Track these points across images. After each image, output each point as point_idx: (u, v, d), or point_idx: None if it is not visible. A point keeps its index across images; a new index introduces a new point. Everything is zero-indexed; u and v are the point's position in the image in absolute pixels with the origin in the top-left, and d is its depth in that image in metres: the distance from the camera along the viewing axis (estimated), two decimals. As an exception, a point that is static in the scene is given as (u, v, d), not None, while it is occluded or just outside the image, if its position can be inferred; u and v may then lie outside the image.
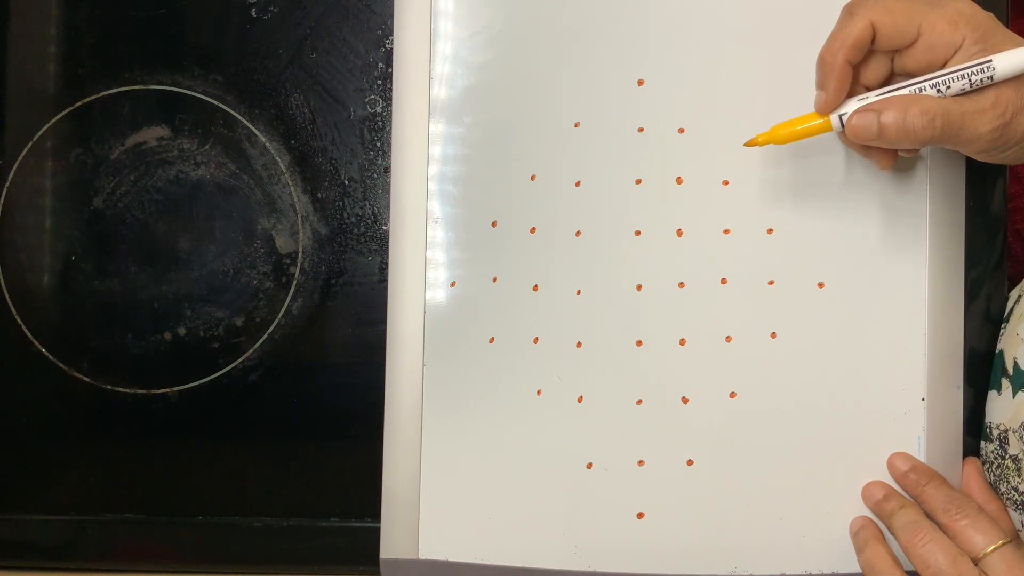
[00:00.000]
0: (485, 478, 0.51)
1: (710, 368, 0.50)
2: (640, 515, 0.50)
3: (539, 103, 0.52)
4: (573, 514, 0.51)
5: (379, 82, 0.56)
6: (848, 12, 0.43)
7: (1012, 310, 0.51)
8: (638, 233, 0.51)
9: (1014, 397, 0.49)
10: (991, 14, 0.42)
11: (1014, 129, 0.42)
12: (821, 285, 0.50)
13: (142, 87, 0.56)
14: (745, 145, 0.47)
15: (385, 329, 0.52)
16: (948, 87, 0.42)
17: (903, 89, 0.43)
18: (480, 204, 0.52)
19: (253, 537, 0.56)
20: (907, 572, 0.47)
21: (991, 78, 0.41)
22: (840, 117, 0.44)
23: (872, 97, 0.44)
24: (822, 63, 0.44)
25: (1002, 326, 0.52)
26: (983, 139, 0.42)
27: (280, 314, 0.56)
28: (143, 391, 0.56)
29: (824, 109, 0.45)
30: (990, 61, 0.41)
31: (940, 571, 0.44)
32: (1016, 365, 0.49)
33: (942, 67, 0.42)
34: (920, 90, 0.42)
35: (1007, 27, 0.52)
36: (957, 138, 0.42)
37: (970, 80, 0.41)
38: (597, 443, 0.51)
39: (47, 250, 0.57)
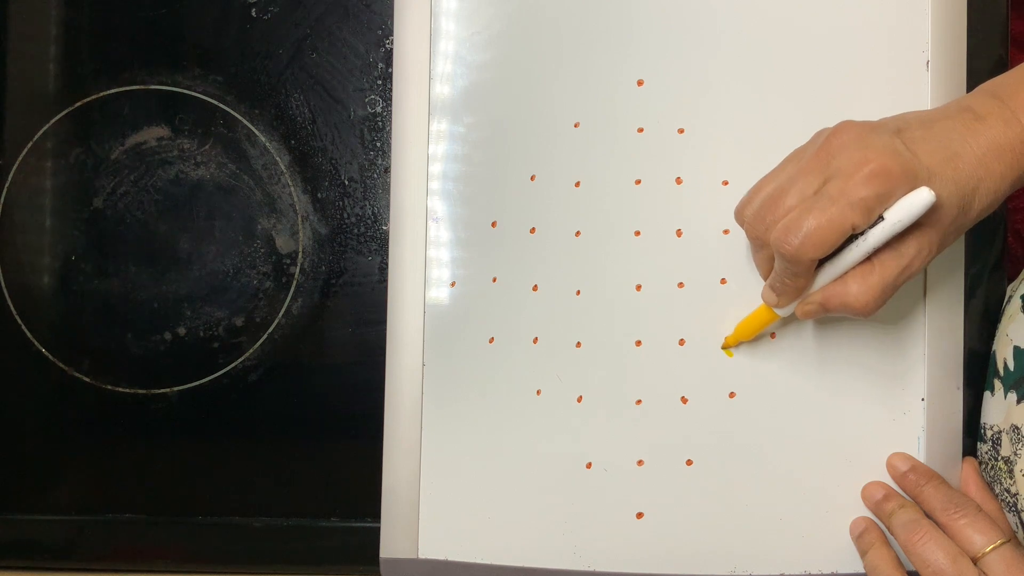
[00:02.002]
0: (485, 478, 0.51)
1: (709, 368, 0.50)
2: (640, 515, 0.51)
3: (539, 103, 0.52)
4: (573, 514, 0.51)
5: (379, 82, 0.56)
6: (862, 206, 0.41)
7: (1003, 310, 0.51)
8: (638, 233, 0.51)
9: (1005, 398, 0.49)
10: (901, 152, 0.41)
11: (946, 246, 0.43)
12: (821, 285, 0.50)
13: (142, 87, 0.56)
14: (723, 348, 0.50)
15: (385, 329, 0.53)
16: (869, 250, 0.42)
17: (832, 267, 0.43)
18: (480, 204, 0.52)
19: (253, 537, 0.56)
20: (908, 573, 0.47)
21: (899, 228, 0.41)
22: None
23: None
24: (801, 263, 0.42)
25: (996, 327, 0.52)
26: (918, 273, 0.43)
27: (280, 314, 0.56)
28: (143, 391, 0.56)
29: (778, 307, 0.46)
30: (883, 220, 0.41)
31: (940, 570, 0.44)
32: (1006, 366, 0.49)
33: None
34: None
35: (1007, 27, 0.52)
36: (898, 287, 0.43)
37: (882, 241, 0.41)
38: (597, 443, 0.51)
39: (47, 250, 0.57)
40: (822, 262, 0.43)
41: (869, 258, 0.42)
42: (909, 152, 0.41)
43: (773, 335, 0.50)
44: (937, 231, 0.42)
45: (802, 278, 0.43)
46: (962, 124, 0.42)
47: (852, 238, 0.41)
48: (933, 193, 0.40)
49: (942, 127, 0.42)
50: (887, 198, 0.40)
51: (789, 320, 0.50)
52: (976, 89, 0.45)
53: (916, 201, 0.40)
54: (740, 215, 0.45)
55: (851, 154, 0.41)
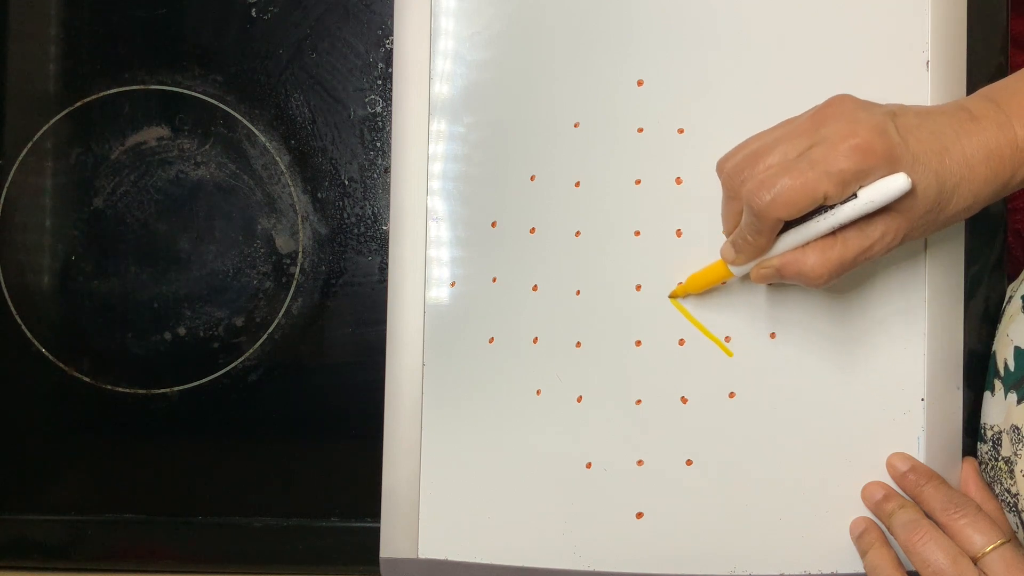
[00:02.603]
0: (485, 478, 0.51)
1: (709, 368, 0.50)
2: (639, 515, 0.51)
3: (539, 103, 0.52)
4: (572, 514, 0.51)
5: (379, 82, 0.56)
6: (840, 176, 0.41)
7: (1003, 311, 0.51)
8: (637, 233, 0.51)
9: (1005, 398, 0.49)
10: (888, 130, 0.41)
11: (911, 238, 0.43)
12: (821, 285, 0.50)
13: (142, 87, 0.56)
14: (670, 297, 0.50)
15: (385, 329, 0.53)
16: (836, 225, 0.42)
17: (796, 233, 0.43)
18: (480, 204, 0.52)
19: (253, 537, 0.56)
20: (908, 573, 0.47)
21: (869, 208, 0.41)
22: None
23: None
24: (767, 220, 0.42)
25: (996, 327, 0.52)
26: (877, 258, 0.43)
27: (280, 314, 0.56)
28: (143, 391, 0.56)
29: (735, 264, 0.46)
30: (855, 197, 0.41)
31: (940, 570, 0.44)
32: (1006, 366, 0.49)
33: None
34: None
35: (1007, 27, 0.52)
36: (854, 267, 0.43)
37: (851, 217, 0.41)
38: (596, 443, 0.51)
39: (47, 250, 0.57)
40: (787, 228, 0.43)
41: (833, 232, 0.42)
42: (899, 136, 0.41)
43: (773, 335, 0.50)
44: (907, 219, 0.42)
45: (764, 237, 0.43)
46: (956, 122, 0.42)
47: (822, 209, 0.41)
48: (910, 180, 0.40)
49: (936, 121, 0.42)
50: (865, 175, 0.40)
51: (788, 320, 0.50)
52: (975, 93, 0.45)
53: (892, 185, 0.40)
54: (721, 166, 0.45)
55: (840, 125, 0.41)
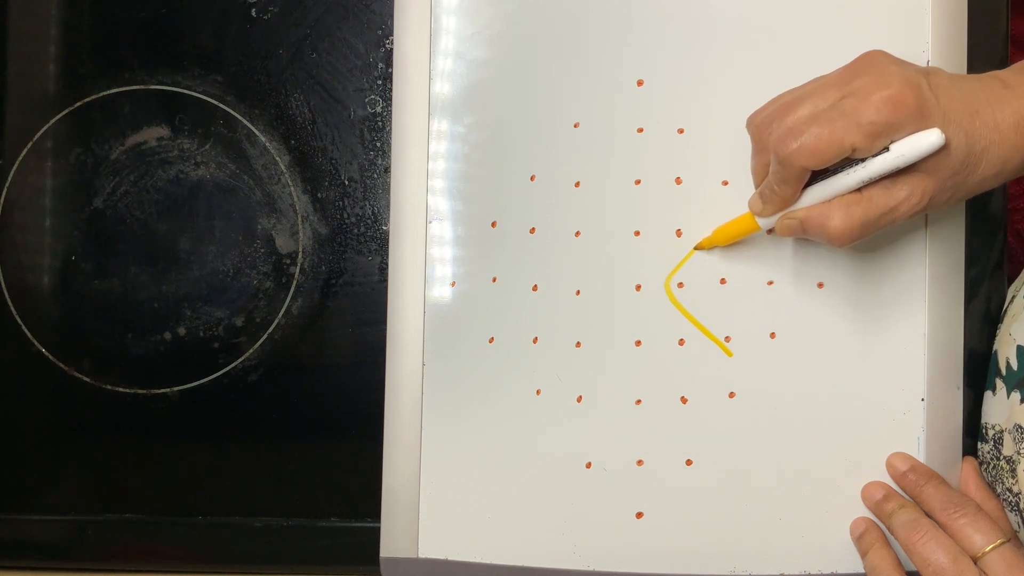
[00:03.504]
0: (485, 478, 0.51)
1: (709, 368, 0.50)
2: (639, 515, 0.51)
3: (539, 103, 0.52)
4: (572, 514, 0.51)
5: (379, 82, 0.56)
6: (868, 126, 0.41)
7: (1006, 311, 0.51)
8: (637, 233, 0.51)
9: (1008, 398, 0.49)
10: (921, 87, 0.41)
11: (937, 204, 0.43)
12: (821, 285, 0.50)
13: (142, 87, 0.56)
14: (696, 248, 0.50)
15: (385, 329, 0.53)
16: (865, 179, 0.42)
17: (823, 187, 0.43)
18: (480, 204, 0.52)
19: (253, 537, 0.56)
20: (908, 573, 0.47)
21: (901, 163, 0.41)
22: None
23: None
24: (792, 168, 0.42)
25: (998, 326, 0.52)
26: (901, 221, 0.43)
27: (280, 314, 0.56)
28: (143, 391, 0.56)
29: (762, 215, 0.46)
30: (887, 151, 0.41)
31: (941, 569, 0.44)
32: (1009, 365, 0.49)
33: None
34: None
35: (1007, 27, 0.52)
36: (877, 229, 0.43)
37: (881, 172, 0.41)
38: (596, 443, 0.51)
39: (47, 250, 0.57)
40: (814, 180, 0.43)
41: (859, 190, 0.42)
42: (931, 92, 0.41)
43: (773, 335, 0.50)
44: (934, 180, 0.42)
45: (790, 187, 0.43)
46: (989, 88, 0.42)
47: (850, 163, 0.41)
48: (944, 136, 0.40)
49: (969, 85, 0.42)
50: (895, 129, 0.40)
51: (788, 320, 0.50)
52: (1009, 67, 0.45)
53: (925, 140, 0.40)
54: (751, 120, 0.45)
55: (873, 77, 0.41)
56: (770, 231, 0.47)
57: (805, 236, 0.45)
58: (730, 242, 0.49)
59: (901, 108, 0.40)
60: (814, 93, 0.42)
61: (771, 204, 0.45)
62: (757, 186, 0.46)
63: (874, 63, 0.42)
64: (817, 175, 0.43)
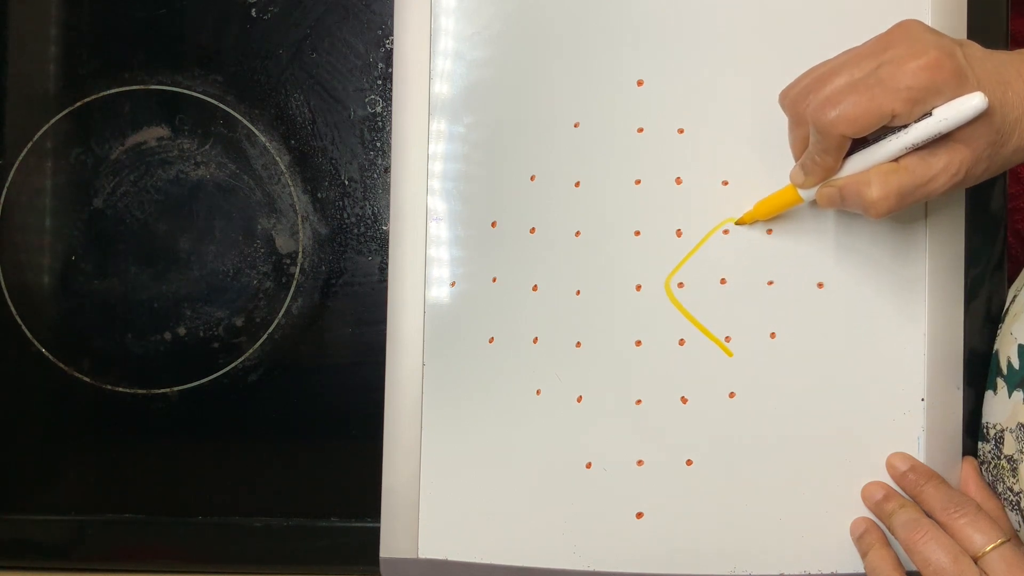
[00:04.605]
0: (485, 478, 0.51)
1: (709, 368, 0.50)
2: (639, 515, 0.51)
3: (539, 103, 0.52)
4: (572, 514, 0.51)
5: (379, 82, 0.56)
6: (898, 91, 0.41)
7: (1007, 310, 0.51)
8: (637, 233, 0.51)
9: (1009, 397, 0.49)
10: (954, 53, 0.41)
11: (972, 176, 0.43)
12: (821, 285, 0.50)
13: (142, 87, 0.56)
14: (736, 223, 0.50)
15: (385, 329, 0.53)
16: (908, 145, 0.41)
17: (865, 155, 0.43)
18: (480, 204, 0.52)
19: (253, 537, 0.56)
20: (909, 573, 0.47)
21: (943, 128, 0.40)
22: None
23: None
24: (832, 136, 0.42)
25: (999, 326, 0.52)
26: (938, 195, 0.43)
27: (280, 314, 0.56)
28: (143, 391, 0.56)
29: (804, 187, 0.46)
30: (929, 116, 0.41)
31: (941, 569, 0.44)
32: (1010, 365, 0.49)
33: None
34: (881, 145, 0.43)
35: (1007, 27, 0.52)
36: (914, 200, 0.43)
37: (924, 137, 0.41)
38: (596, 443, 0.51)
39: (47, 250, 0.57)
40: (855, 149, 0.43)
41: (896, 160, 0.42)
42: (966, 62, 0.41)
43: (773, 335, 0.50)
44: (971, 151, 0.41)
45: (831, 155, 0.43)
46: (1020, 62, 0.42)
47: (891, 132, 0.41)
48: (987, 100, 0.40)
49: (1000, 58, 0.42)
50: (934, 94, 0.40)
51: (788, 320, 0.50)
52: None
53: (969, 103, 0.40)
54: (785, 94, 0.45)
55: (908, 45, 0.41)
56: (812, 203, 0.46)
57: (844, 207, 0.44)
58: (771, 216, 0.49)
59: (939, 74, 0.40)
60: (849, 63, 0.42)
61: (813, 175, 0.45)
62: (797, 159, 0.46)
63: (909, 31, 0.42)
64: (857, 145, 0.43)
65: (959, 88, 0.40)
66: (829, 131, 0.41)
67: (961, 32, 0.50)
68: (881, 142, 0.42)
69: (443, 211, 0.52)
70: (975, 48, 0.42)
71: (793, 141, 0.46)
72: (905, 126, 0.41)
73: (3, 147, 0.57)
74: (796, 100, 0.44)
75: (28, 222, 0.57)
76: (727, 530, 0.50)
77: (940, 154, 0.42)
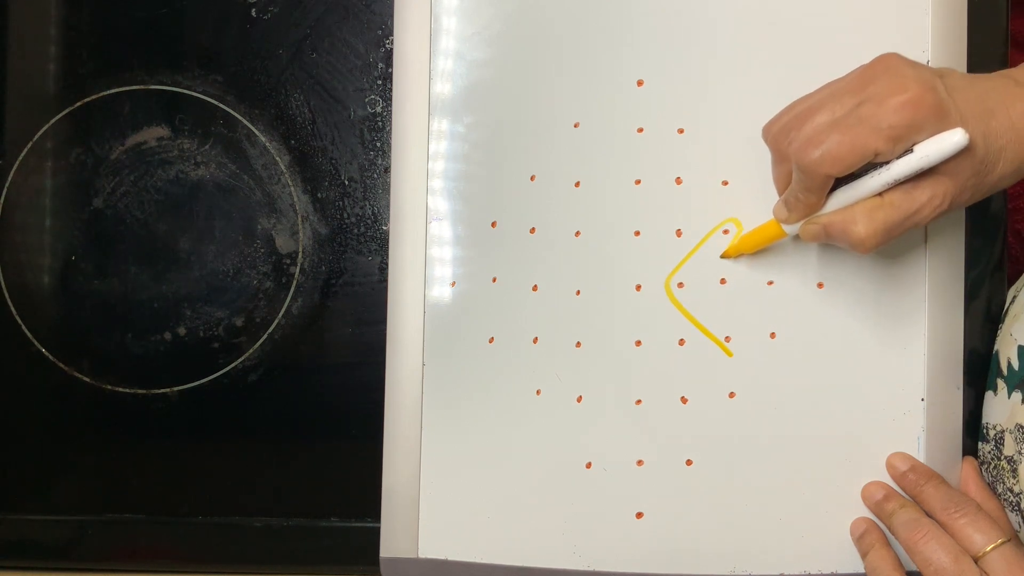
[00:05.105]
0: (485, 477, 0.51)
1: (709, 368, 0.50)
2: (639, 515, 0.51)
3: (539, 103, 0.52)
4: (573, 514, 0.51)
5: (379, 82, 0.56)
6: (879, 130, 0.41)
7: (1007, 311, 0.51)
8: (637, 233, 0.51)
9: (1009, 398, 0.49)
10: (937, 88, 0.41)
11: (957, 204, 0.43)
12: (821, 285, 0.50)
13: (142, 87, 0.56)
14: (721, 257, 0.50)
15: (385, 329, 0.53)
16: (889, 181, 0.41)
17: (848, 191, 0.43)
18: (480, 204, 0.52)
19: (253, 537, 0.56)
20: (909, 573, 0.47)
21: (925, 164, 0.40)
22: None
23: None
24: (816, 176, 0.42)
25: (999, 326, 0.52)
26: (925, 224, 0.43)
27: (280, 314, 0.56)
28: (143, 391, 0.56)
29: (787, 223, 0.46)
30: (911, 153, 0.40)
31: (942, 568, 0.44)
32: (1010, 366, 0.49)
33: None
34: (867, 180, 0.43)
35: (1007, 27, 0.52)
36: (901, 232, 0.43)
37: (905, 174, 0.41)
38: (596, 443, 0.51)
39: (47, 250, 0.57)
40: (838, 186, 0.43)
41: (881, 195, 0.42)
42: (946, 94, 0.41)
43: (773, 335, 0.50)
44: (955, 182, 0.41)
45: (815, 195, 0.43)
46: (1002, 86, 0.42)
47: (873, 167, 0.41)
48: (968, 135, 0.40)
49: (982, 85, 0.42)
50: (916, 131, 0.40)
51: (788, 320, 0.50)
52: (1020, 65, 0.45)
53: (949, 140, 0.40)
54: (767, 130, 0.45)
55: (888, 81, 0.41)
56: (795, 237, 0.47)
57: (829, 241, 0.45)
58: (756, 249, 0.49)
59: (920, 110, 0.40)
60: (830, 100, 0.42)
61: (796, 212, 0.45)
62: (780, 194, 0.46)
63: (889, 67, 0.41)
64: (841, 179, 0.42)
65: (941, 123, 0.40)
66: (813, 171, 0.41)
67: (962, 32, 0.50)
68: (864, 178, 0.42)
69: (443, 211, 0.52)
70: (956, 77, 0.42)
71: (776, 177, 0.46)
72: (887, 162, 0.41)
73: (3, 147, 0.57)
74: (778, 137, 0.44)
75: (28, 222, 0.57)
76: (727, 530, 0.50)
77: (924, 187, 0.41)
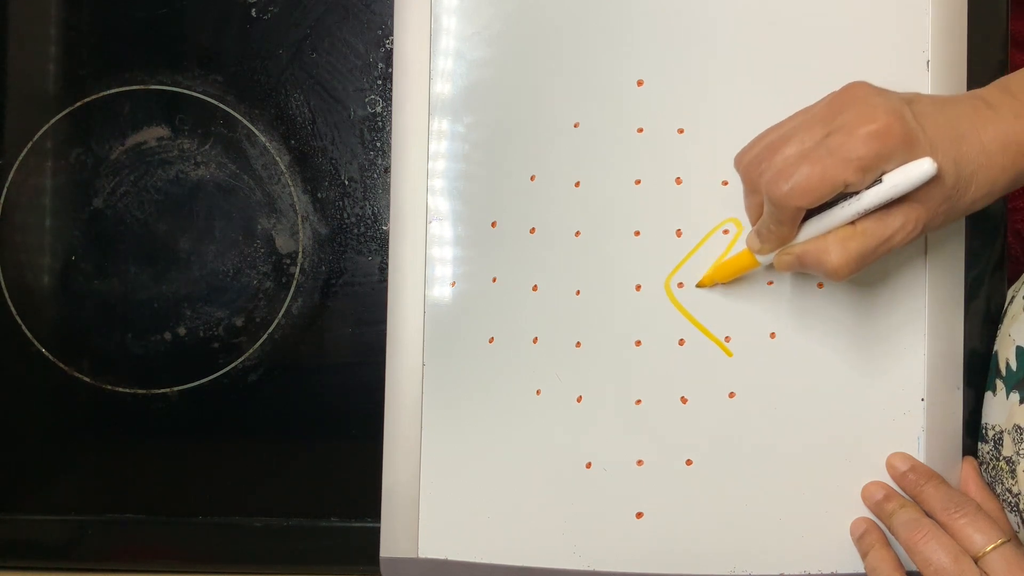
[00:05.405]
0: (485, 478, 0.51)
1: (709, 368, 0.50)
2: (639, 515, 0.51)
3: (539, 103, 0.52)
4: (572, 514, 0.51)
5: (379, 82, 0.56)
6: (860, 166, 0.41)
7: (1005, 311, 0.51)
8: (637, 233, 0.51)
9: (1007, 398, 0.49)
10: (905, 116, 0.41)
11: (931, 228, 0.43)
12: (821, 285, 0.50)
13: (142, 87, 0.56)
14: (697, 286, 0.50)
15: (385, 329, 0.53)
16: (860, 211, 0.41)
17: (819, 221, 0.43)
18: (480, 204, 0.52)
19: (253, 537, 0.56)
20: (909, 573, 0.47)
21: (894, 193, 0.41)
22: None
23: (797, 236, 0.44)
24: (787, 209, 0.42)
25: (998, 327, 0.52)
26: (898, 248, 0.43)
27: (280, 314, 0.56)
28: (143, 391, 0.56)
29: (760, 253, 0.46)
30: (880, 183, 0.41)
31: (942, 569, 0.44)
32: (1008, 366, 0.49)
33: None
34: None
35: (1007, 27, 0.52)
36: (875, 259, 0.43)
37: (875, 204, 0.41)
38: (596, 443, 0.51)
39: (47, 250, 0.57)
40: (810, 215, 0.43)
41: (853, 223, 0.42)
42: (915, 122, 0.41)
43: (773, 335, 0.50)
44: (926, 208, 0.42)
45: (786, 226, 0.43)
46: (972, 110, 0.42)
47: (844, 196, 0.41)
48: (936, 165, 0.40)
49: (953, 109, 0.42)
50: (884, 161, 0.40)
51: (788, 320, 0.50)
52: (991, 84, 0.45)
53: (917, 170, 0.40)
54: (739, 160, 0.45)
55: (857, 111, 0.41)
56: (769, 267, 0.47)
57: (803, 271, 0.45)
58: (729, 279, 0.50)
59: (888, 140, 0.40)
60: (799, 130, 0.42)
61: (768, 243, 0.45)
62: (753, 224, 0.46)
63: (857, 96, 0.41)
64: (813, 209, 0.43)
65: (909, 152, 0.40)
66: (784, 204, 0.41)
67: (962, 32, 0.50)
68: (834, 208, 0.42)
69: (443, 211, 0.52)
70: (926, 103, 0.42)
71: (748, 207, 0.46)
72: (857, 192, 0.41)
73: (3, 147, 0.57)
74: (749, 169, 0.44)
75: (28, 222, 0.57)
76: (727, 530, 0.50)
77: (896, 213, 0.41)
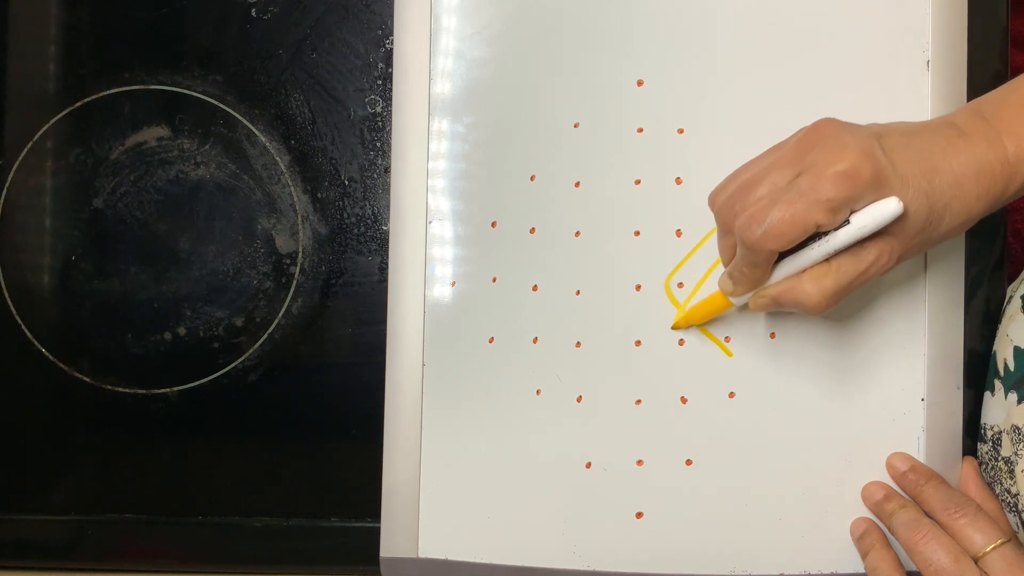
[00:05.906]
0: (485, 478, 0.51)
1: (709, 368, 0.50)
2: (639, 515, 0.51)
3: (539, 103, 0.52)
4: (572, 514, 0.51)
5: (379, 82, 0.56)
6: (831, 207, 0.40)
7: (1003, 311, 0.51)
8: (637, 233, 0.51)
9: (1005, 399, 0.49)
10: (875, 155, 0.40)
11: (907, 258, 0.43)
12: (821, 285, 0.50)
13: (142, 87, 0.57)
14: (672, 328, 0.51)
15: (385, 329, 0.53)
16: (831, 251, 0.41)
17: (792, 262, 0.43)
18: (480, 204, 0.52)
19: (253, 537, 0.56)
20: (909, 573, 0.47)
21: (862, 234, 0.41)
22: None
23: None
24: (761, 252, 0.42)
25: (997, 327, 0.52)
26: (874, 281, 0.43)
27: (280, 314, 0.56)
28: (143, 391, 0.56)
29: (734, 295, 0.46)
30: (848, 223, 0.40)
31: (942, 569, 0.44)
32: (1006, 366, 0.49)
33: None
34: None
35: (1007, 27, 0.52)
36: (851, 292, 0.43)
37: (845, 243, 0.41)
38: (596, 443, 0.51)
39: (47, 250, 0.57)
40: (783, 256, 0.43)
41: (828, 259, 0.42)
42: (886, 158, 0.40)
43: (773, 335, 0.50)
44: (900, 241, 0.42)
45: (760, 268, 0.43)
46: (944, 139, 0.42)
47: (816, 236, 0.41)
48: (902, 204, 0.40)
49: (924, 139, 0.42)
50: (855, 200, 0.40)
51: (788, 320, 0.50)
52: (963, 107, 0.44)
53: (883, 209, 0.40)
54: (713, 200, 0.45)
55: (826, 151, 0.40)
56: (743, 307, 0.47)
57: (780, 309, 0.45)
58: (704, 320, 0.50)
59: (858, 181, 0.39)
60: (770, 170, 0.42)
61: (742, 285, 0.45)
62: (726, 265, 0.46)
63: (825, 134, 0.41)
64: (784, 251, 0.42)
65: (879, 191, 0.40)
66: (757, 248, 0.41)
67: (962, 32, 0.50)
68: (806, 249, 0.42)
69: (443, 211, 0.52)
70: (896, 137, 0.42)
71: (722, 249, 0.46)
72: (828, 232, 0.41)
73: (3, 147, 0.57)
74: (723, 209, 0.43)
75: (28, 222, 0.57)
76: (727, 530, 0.50)
77: (870, 248, 0.41)
